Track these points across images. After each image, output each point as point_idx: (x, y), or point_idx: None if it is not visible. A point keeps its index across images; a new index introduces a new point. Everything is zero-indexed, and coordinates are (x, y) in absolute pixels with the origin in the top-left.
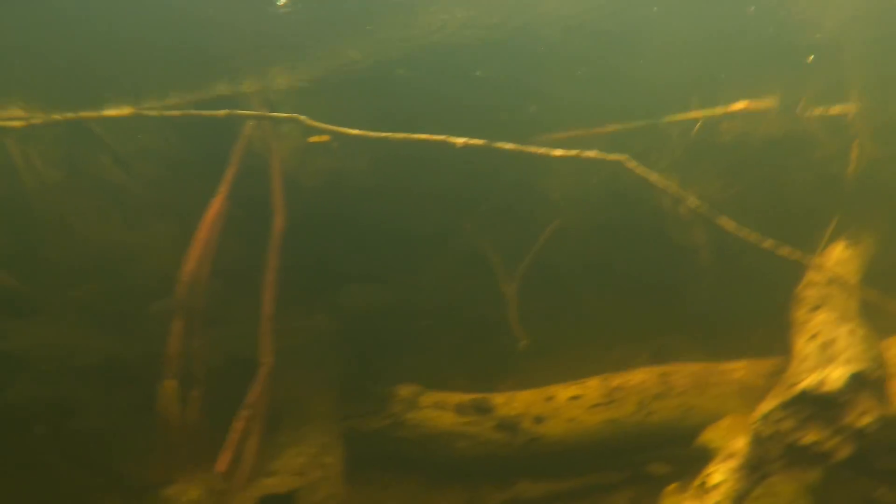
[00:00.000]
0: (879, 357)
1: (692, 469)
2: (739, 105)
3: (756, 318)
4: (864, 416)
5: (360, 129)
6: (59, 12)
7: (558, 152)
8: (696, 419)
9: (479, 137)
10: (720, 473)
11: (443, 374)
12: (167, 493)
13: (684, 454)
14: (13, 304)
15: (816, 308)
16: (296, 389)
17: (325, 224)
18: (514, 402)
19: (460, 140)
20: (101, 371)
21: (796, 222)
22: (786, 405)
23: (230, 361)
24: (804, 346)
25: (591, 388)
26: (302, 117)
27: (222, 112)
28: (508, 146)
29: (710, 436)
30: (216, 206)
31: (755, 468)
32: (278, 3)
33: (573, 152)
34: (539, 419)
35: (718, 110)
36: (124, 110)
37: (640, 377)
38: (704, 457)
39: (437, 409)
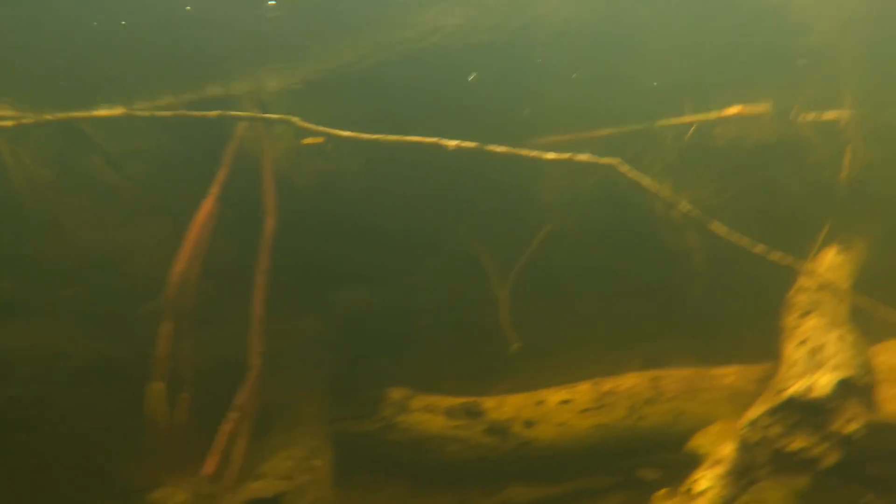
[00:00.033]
0: (868, 363)
1: (682, 475)
2: (733, 110)
3: (749, 323)
4: (852, 423)
5: (354, 131)
6: (50, 12)
7: (550, 155)
8: (687, 424)
9: (474, 140)
10: (706, 480)
11: (435, 377)
12: (154, 496)
13: (675, 459)
14: (1, 304)
15: (806, 313)
16: (286, 392)
17: (318, 225)
18: (505, 406)
19: (452, 142)
20: (88, 372)
21: (789, 227)
22: (773, 411)
23: (220, 363)
24: (793, 352)
25: (582, 392)
26: (294, 119)
27: (214, 113)
28: (500, 149)
29: (699, 441)
30: (207, 207)
31: (742, 475)
32: (269, 3)
33: (565, 155)
34: (529, 423)
35: (712, 115)
36: (116, 110)
37: (630, 382)
38: (694, 462)
39: (428, 413)
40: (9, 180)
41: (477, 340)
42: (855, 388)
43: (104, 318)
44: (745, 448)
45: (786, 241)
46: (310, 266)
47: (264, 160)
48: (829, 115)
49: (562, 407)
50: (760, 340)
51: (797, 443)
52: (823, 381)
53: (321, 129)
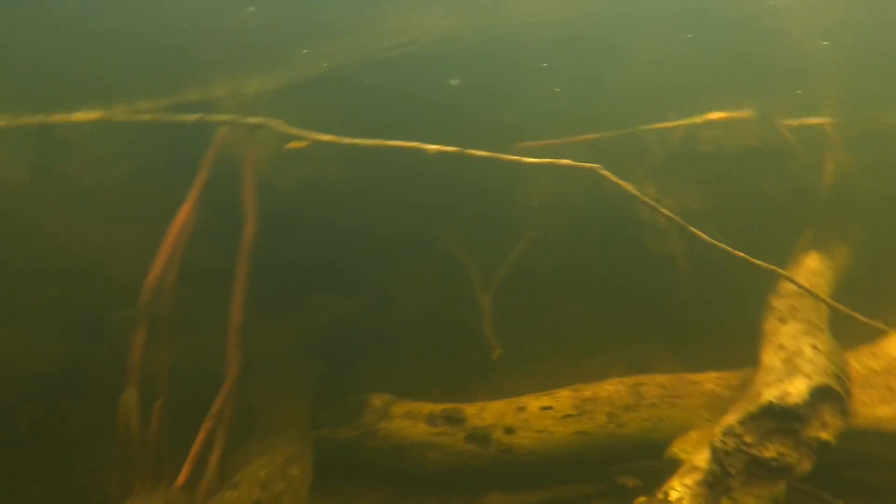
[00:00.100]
0: (844, 369)
1: (662, 482)
2: (717, 115)
3: (733, 328)
4: (826, 430)
5: (336, 135)
6: (28, 16)
7: (531, 160)
8: (667, 431)
9: (458, 145)
10: (681, 488)
11: (418, 382)
12: None
13: (655, 466)
14: None
15: (785, 319)
16: (267, 398)
17: (301, 230)
18: (486, 413)
19: (433, 147)
20: (61, 378)
21: (772, 232)
22: (747, 419)
23: (198, 370)
24: (770, 358)
25: (563, 398)
26: (275, 122)
27: (193, 117)
28: (481, 153)
29: (679, 448)
30: (184, 212)
31: (716, 483)
32: (249, 10)
33: (546, 160)
34: (510, 430)
35: (697, 119)
36: (93, 114)
37: (611, 388)
38: (674, 469)
39: (409, 419)
40: None
41: (461, 346)
42: (830, 395)
43: (79, 323)
44: (720, 456)
45: (769, 245)
46: (292, 270)
47: (245, 164)
48: (811, 121)
49: (542, 413)
50: (744, 345)
51: (771, 450)
52: (798, 388)
53: (302, 132)
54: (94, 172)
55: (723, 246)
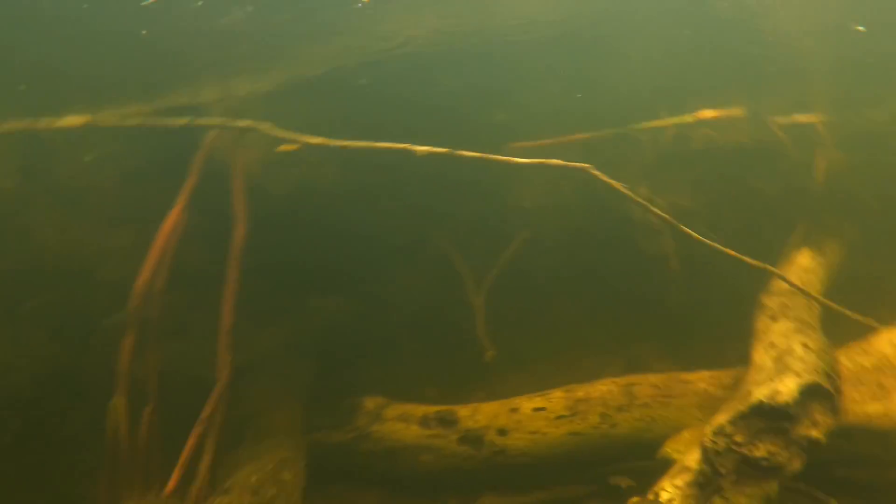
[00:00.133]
0: (834, 367)
1: (655, 482)
2: (708, 113)
3: (729, 327)
4: (816, 428)
5: (328, 137)
6: (14, 17)
7: (521, 160)
8: (660, 431)
9: (452, 146)
10: (671, 489)
11: (414, 385)
12: None
13: (648, 467)
14: None
15: (776, 317)
16: (259, 402)
17: (293, 232)
18: (479, 415)
19: (422, 148)
20: (49, 384)
21: (764, 230)
22: (738, 418)
23: (188, 375)
24: (761, 357)
25: (556, 399)
26: (264, 125)
27: (181, 121)
28: (471, 154)
29: (672, 448)
30: (173, 216)
31: (707, 483)
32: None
33: (536, 160)
34: (503, 431)
35: (688, 118)
36: (80, 119)
37: (603, 388)
38: (666, 469)
39: (402, 422)
40: None
41: (456, 347)
42: (820, 393)
43: (68, 328)
44: (710, 456)
45: (761, 243)
46: (285, 273)
47: (234, 168)
48: (803, 118)
49: (535, 414)
50: (739, 344)
51: (761, 450)
52: (788, 387)
53: (292, 135)
54: (83, 176)
55: (714, 244)
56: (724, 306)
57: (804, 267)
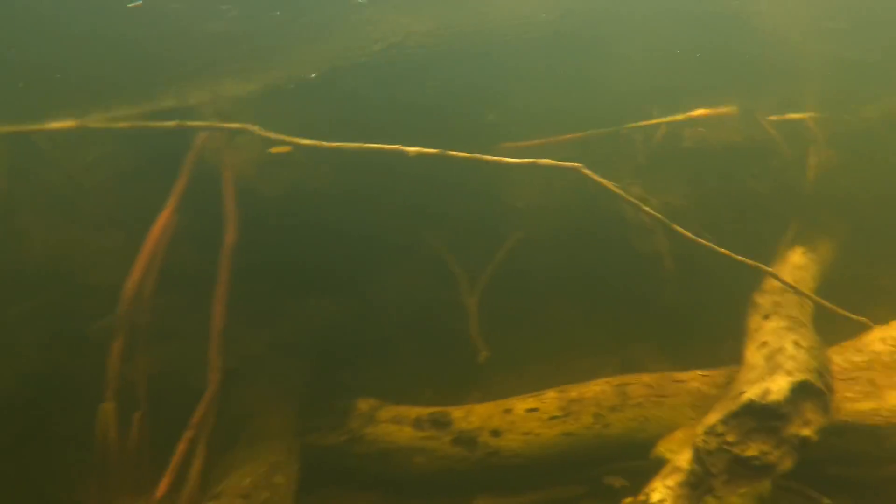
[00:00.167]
0: (825, 365)
1: (648, 482)
2: (700, 111)
3: (724, 326)
4: (807, 427)
5: (317, 139)
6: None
7: (512, 160)
8: (653, 431)
9: (445, 146)
10: (663, 489)
11: (409, 386)
12: None
13: (641, 466)
14: None
15: (768, 316)
16: (252, 405)
17: (285, 233)
18: (472, 416)
19: (413, 149)
20: (37, 389)
21: (757, 227)
22: (729, 417)
23: (179, 379)
24: (753, 355)
25: (549, 400)
26: (254, 127)
27: (171, 123)
28: (462, 154)
29: (664, 448)
30: (163, 219)
31: (698, 483)
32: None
33: (527, 160)
34: (496, 433)
35: (679, 116)
36: (68, 123)
37: (597, 388)
38: (660, 469)
39: (395, 424)
40: None
41: (451, 348)
42: (811, 391)
43: (56, 332)
44: (702, 456)
45: (754, 241)
46: (277, 274)
47: (225, 170)
48: (794, 116)
49: (529, 415)
50: (735, 342)
51: (753, 449)
52: (779, 386)
53: (282, 136)
54: (72, 178)
55: (706, 243)
56: (719, 305)
57: (797, 265)
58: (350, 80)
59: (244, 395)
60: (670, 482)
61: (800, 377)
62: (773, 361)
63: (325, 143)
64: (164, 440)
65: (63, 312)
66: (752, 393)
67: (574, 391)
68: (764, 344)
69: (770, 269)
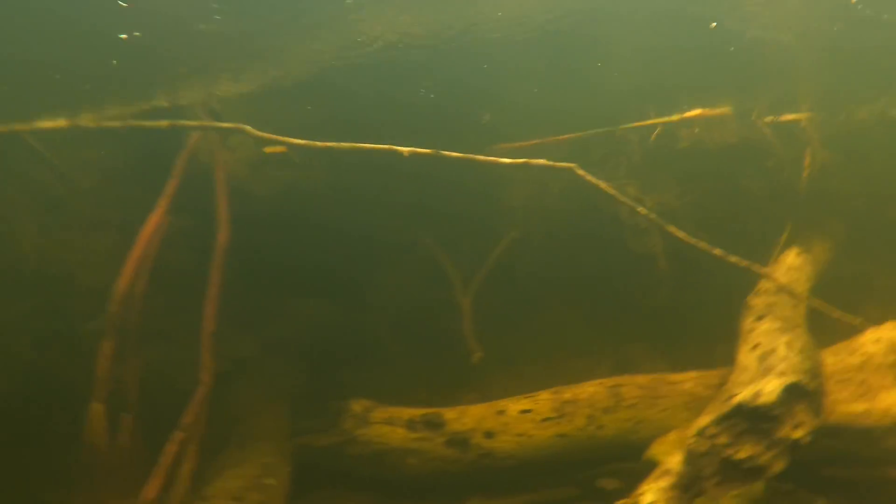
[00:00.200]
0: (817, 367)
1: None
2: (695, 112)
3: (719, 326)
4: (799, 429)
5: (310, 138)
6: None
7: (505, 160)
8: (647, 432)
9: (440, 146)
10: (653, 492)
11: (404, 387)
12: None
13: (635, 468)
14: None
15: (762, 317)
16: (245, 406)
17: (279, 234)
18: (466, 417)
19: (406, 149)
20: (27, 391)
21: (752, 228)
22: (721, 420)
23: (170, 381)
24: (745, 357)
25: (542, 401)
26: (246, 127)
27: (163, 123)
28: (456, 155)
29: (658, 449)
30: (154, 220)
31: (689, 486)
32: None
33: (520, 160)
34: (490, 434)
35: (675, 117)
36: (60, 122)
37: (591, 390)
38: (652, 471)
39: (389, 425)
40: None
41: (447, 349)
42: (803, 393)
43: (47, 334)
44: (693, 458)
45: (750, 242)
46: (271, 275)
47: (218, 170)
48: (789, 117)
49: (522, 416)
50: (728, 344)
51: (744, 451)
52: (770, 387)
53: (274, 136)
54: (63, 178)
55: (700, 244)
56: (715, 305)
57: (791, 265)
58: (343, 79)
59: (236, 397)
60: (662, 484)
61: (791, 379)
62: (765, 363)
63: (318, 143)
64: (154, 442)
65: (53, 313)
66: (743, 395)
67: (568, 392)
68: (757, 345)
69: (764, 270)
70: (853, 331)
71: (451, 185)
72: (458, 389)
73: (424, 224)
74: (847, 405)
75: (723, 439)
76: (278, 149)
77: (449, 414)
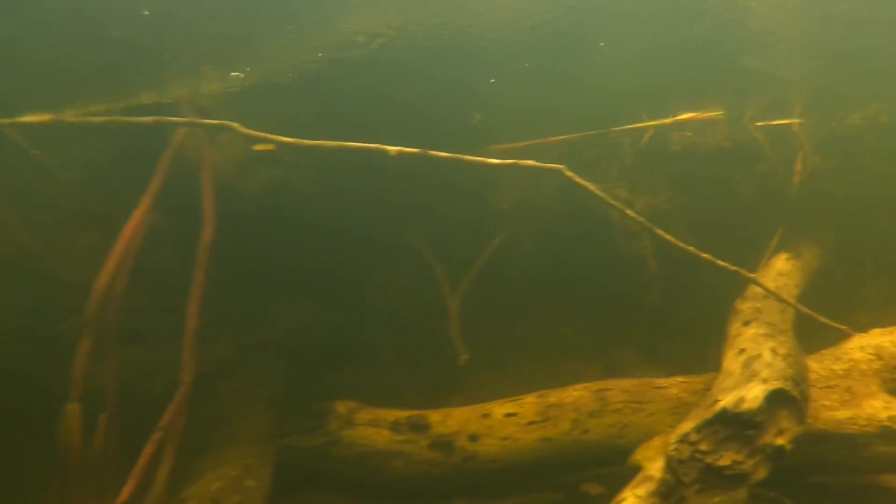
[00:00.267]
0: (802, 373)
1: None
2: (687, 115)
3: (708, 330)
4: (782, 436)
5: (302, 137)
6: None
7: (494, 161)
8: (632, 437)
9: (433, 147)
10: (633, 499)
11: (390, 388)
12: None
13: (619, 473)
14: None
15: (748, 322)
16: (227, 407)
17: (267, 233)
18: (450, 420)
19: (394, 149)
20: (2, 389)
21: (743, 232)
22: (703, 426)
23: (149, 381)
24: (731, 362)
25: (527, 405)
26: (234, 124)
27: (149, 119)
28: (443, 155)
29: (641, 455)
30: (136, 218)
31: (670, 492)
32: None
33: (509, 161)
34: (474, 437)
35: (667, 120)
36: (43, 117)
37: (576, 394)
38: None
39: (373, 427)
40: None
41: (434, 350)
42: (786, 400)
43: (23, 331)
44: (675, 464)
45: (741, 245)
46: (257, 274)
47: (204, 168)
48: (781, 121)
49: (507, 420)
50: (717, 348)
51: (726, 458)
52: (753, 394)
53: (262, 134)
54: (46, 174)
55: (688, 248)
56: (704, 309)
57: (780, 271)
58: (331, 76)
59: (219, 398)
60: (641, 491)
61: (775, 385)
62: (749, 369)
63: (305, 142)
64: (133, 443)
65: (32, 311)
66: (726, 401)
67: (553, 396)
68: (742, 351)
69: (752, 276)
70: (840, 337)
71: (441, 186)
72: (444, 391)
73: (414, 224)
74: (832, 412)
75: (705, 446)
76: (267, 146)
77: (434, 416)
